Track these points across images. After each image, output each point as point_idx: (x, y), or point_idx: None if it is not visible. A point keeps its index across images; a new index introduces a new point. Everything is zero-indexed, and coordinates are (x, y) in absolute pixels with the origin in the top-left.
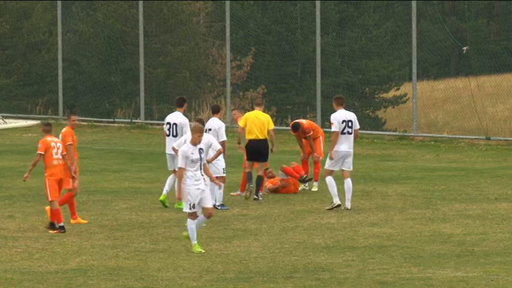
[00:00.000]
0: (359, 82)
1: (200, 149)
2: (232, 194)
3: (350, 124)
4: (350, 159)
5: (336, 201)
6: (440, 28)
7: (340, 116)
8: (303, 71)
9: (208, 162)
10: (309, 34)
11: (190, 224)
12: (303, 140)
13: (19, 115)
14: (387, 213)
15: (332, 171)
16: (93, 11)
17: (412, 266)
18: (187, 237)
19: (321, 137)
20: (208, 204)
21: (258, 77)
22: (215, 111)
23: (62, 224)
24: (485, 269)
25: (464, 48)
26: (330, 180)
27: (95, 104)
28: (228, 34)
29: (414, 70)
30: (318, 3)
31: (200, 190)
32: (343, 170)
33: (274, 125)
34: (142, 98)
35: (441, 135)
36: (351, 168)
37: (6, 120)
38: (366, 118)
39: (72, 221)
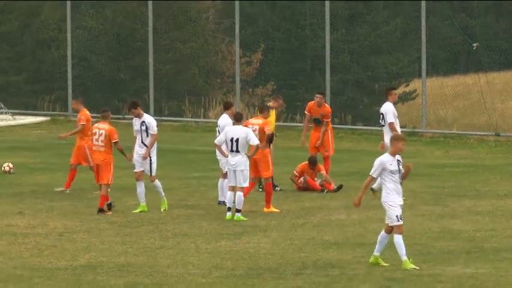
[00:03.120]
0: (368, 79)
1: (398, 160)
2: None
3: (382, 117)
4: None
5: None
6: (449, 24)
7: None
8: (312, 67)
9: (250, 157)
10: (318, 31)
11: (397, 238)
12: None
13: (28, 112)
14: None
15: None
16: (102, 8)
17: (421, 263)
18: (375, 261)
19: (329, 131)
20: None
21: (267, 74)
22: (225, 107)
23: (101, 207)
24: (495, 266)
25: (474, 44)
26: None
27: (104, 101)
28: (237, 31)
29: (424, 66)
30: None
31: (401, 204)
32: None
33: (284, 121)
34: (152, 95)
35: (450, 132)
36: None
37: (16, 117)
38: (375, 114)
39: (265, 209)
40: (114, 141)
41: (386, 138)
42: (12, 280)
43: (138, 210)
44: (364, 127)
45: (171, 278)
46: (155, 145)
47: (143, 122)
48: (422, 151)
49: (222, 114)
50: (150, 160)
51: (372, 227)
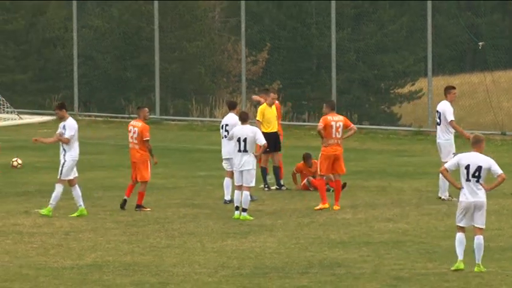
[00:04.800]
0: (374, 77)
1: None
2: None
3: (438, 115)
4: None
5: (445, 195)
6: (455, 23)
7: None
8: (318, 66)
9: (258, 157)
10: (324, 29)
11: (458, 237)
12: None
13: (34, 111)
14: (403, 209)
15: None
16: (108, 6)
17: (427, 262)
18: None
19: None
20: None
21: (273, 73)
22: (231, 107)
23: (139, 203)
24: (501, 265)
25: (480, 43)
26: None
27: (110, 100)
28: (243, 29)
29: (429, 65)
30: None
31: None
32: None
33: (290, 120)
34: (158, 94)
35: None
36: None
37: (22, 116)
38: (381, 113)
39: (335, 207)
40: (145, 138)
41: (442, 137)
42: (18, 279)
43: (76, 214)
44: (370, 126)
45: (177, 277)
46: (75, 148)
47: (64, 125)
48: (428, 150)
49: (227, 113)
50: (64, 162)
51: (377, 226)
